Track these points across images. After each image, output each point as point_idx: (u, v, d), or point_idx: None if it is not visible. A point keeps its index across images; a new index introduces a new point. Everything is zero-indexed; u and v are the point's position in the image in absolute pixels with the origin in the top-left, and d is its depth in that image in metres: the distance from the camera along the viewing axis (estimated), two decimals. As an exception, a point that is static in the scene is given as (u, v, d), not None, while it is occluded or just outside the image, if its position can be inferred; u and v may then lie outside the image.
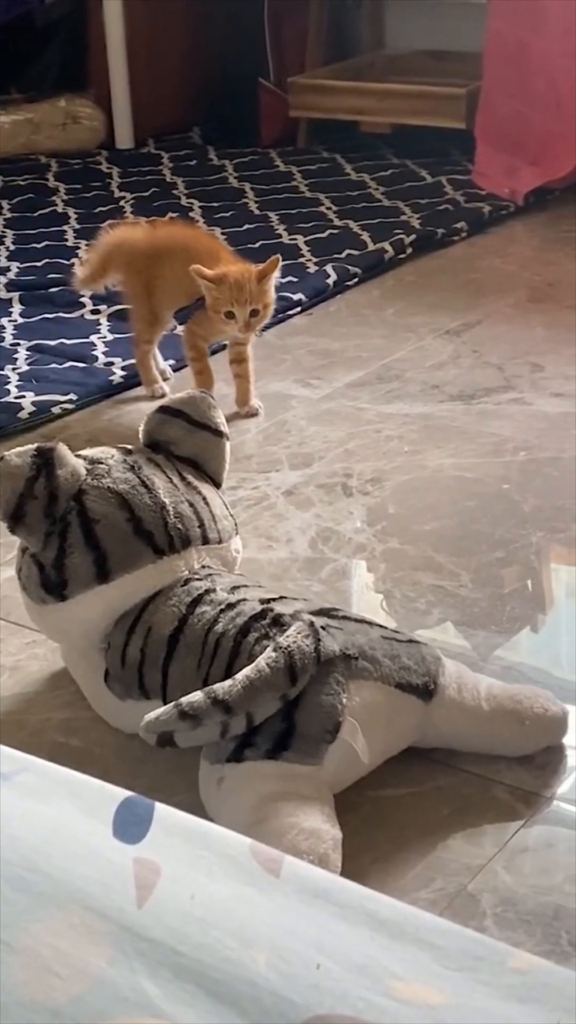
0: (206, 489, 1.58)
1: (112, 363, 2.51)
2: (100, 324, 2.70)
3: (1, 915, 0.81)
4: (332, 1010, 0.75)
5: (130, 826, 0.89)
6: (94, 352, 2.56)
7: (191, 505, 1.53)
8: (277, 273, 2.12)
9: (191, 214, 3.37)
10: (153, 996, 0.76)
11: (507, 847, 1.33)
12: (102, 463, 1.53)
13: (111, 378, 2.45)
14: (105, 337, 2.63)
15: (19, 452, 1.48)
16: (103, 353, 2.55)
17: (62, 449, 1.50)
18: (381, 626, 1.45)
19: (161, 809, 0.91)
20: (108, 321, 2.72)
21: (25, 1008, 0.75)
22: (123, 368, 2.48)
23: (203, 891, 0.83)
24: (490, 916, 1.25)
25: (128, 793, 0.93)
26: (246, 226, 3.23)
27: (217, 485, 1.62)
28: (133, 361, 2.50)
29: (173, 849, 0.87)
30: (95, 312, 2.77)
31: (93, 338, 2.63)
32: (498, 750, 1.44)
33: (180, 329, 2.34)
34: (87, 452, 1.56)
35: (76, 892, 0.83)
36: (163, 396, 2.31)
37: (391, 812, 1.38)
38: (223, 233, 3.19)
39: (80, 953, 0.79)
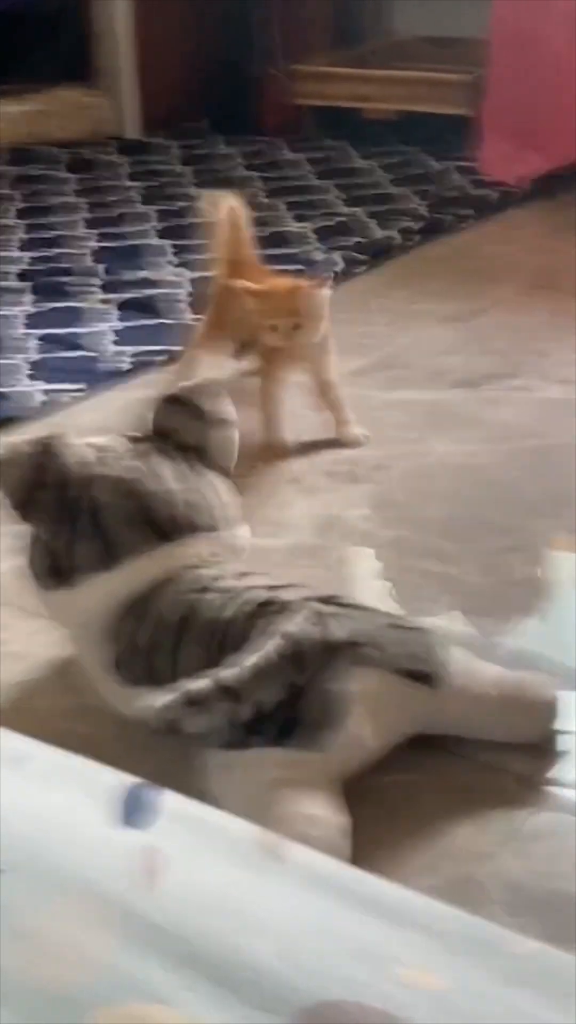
0: (213, 477, 1.58)
1: (122, 352, 2.51)
2: (110, 314, 2.71)
3: (10, 901, 0.82)
4: (336, 996, 0.76)
5: (138, 813, 0.90)
6: (103, 341, 2.56)
7: (198, 493, 1.54)
8: (327, 291, 2.07)
9: (200, 203, 3.36)
10: (158, 982, 0.77)
11: (514, 834, 1.34)
12: (110, 451, 1.54)
13: (121, 366, 2.45)
14: (115, 326, 2.64)
15: (29, 441, 1.49)
16: (113, 342, 2.56)
17: (71, 438, 1.50)
18: (387, 613, 1.45)
19: (168, 796, 0.92)
20: (118, 310, 2.72)
21: (33, 993, 0.76)
22: (132, 356, 2.49)
23: (209, 878, 0.84)
24: (498, 903, 1.26)
25: (136, 780, 0.93)
26: (255, 214, 3.22)
27: (225, 473, 1.62)
28: (143, 348, 2.51)
29: (180, 836, 0.88)
30: (105, 302, 2.77)
31: (103, 327, 2.63)
32: (504, 737, 1.44)
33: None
34: (95, 440, 1.57)
35: (84, 879, 0.84)
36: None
37: (398, 799, 1.39)
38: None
39: (86, 939, 0.80)
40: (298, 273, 2.29)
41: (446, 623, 1.66)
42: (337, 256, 2.88)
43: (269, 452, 2.14)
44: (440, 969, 0.77)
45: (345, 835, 1.28)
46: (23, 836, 0.87)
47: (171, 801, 0.91)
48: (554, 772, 1.41)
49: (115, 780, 0.94)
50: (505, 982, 0.76)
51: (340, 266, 2.84)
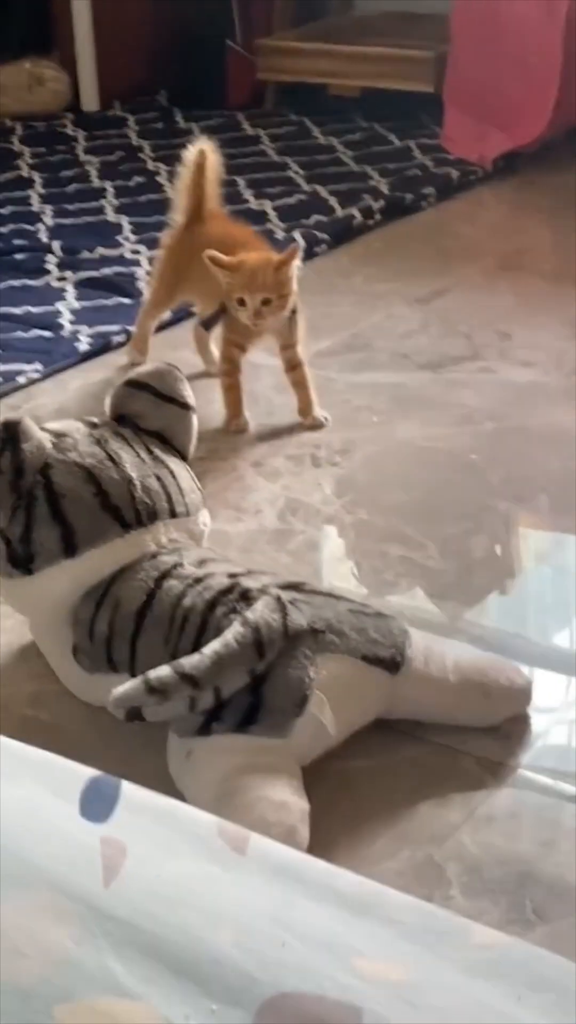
0: (173, 463, 1.58)
1: (78, 331, 2.49)
2: (66, 291, 2.69)
3: (-32, 896, 0.81)
4: (296, 987, 0.76)
5: (97, 805, 0.89)
6: (60, 320, 2.54)
7: (158, 479, 1.53)
8: (297, 262, 2.02)
9: (158, 178, 3.35)
10: (119, 975, 0.77)
11: (473, 816, 1.35)
12: (68, 437, 1.53)
13: (77, 346, 2.44)
14: (71, 304, 2.62)
15: (-15, 426, 1.48)
16: (69, 321, 2.54)
17: (27, 422, 1.49)
18: (348, 599, 1.46)
19: (128, 787, 0.92)
20: (74, 288, 2.70)
21: (-7, 988, 0.76)
22: (90, 336, 2.47)
23: (169, 870, 0.84)
24: (456, 885, 1.27)
25: (95, 772, 0.93)
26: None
27: (184, 458, 1.62)
28: (100, 328, 2.49)
29: (140, 828, 0.88)
30: (61, 279, 2.75)
31: (59, 305, 2.61)
32: (464, 721, 1.45)
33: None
34: (52, 425, 1.56)
35: (43, 872, 0.84)
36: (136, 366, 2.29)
37: (358, 783, 1.40)
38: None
39: (47, 933, 0.79)
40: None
41: (408, 606, 1.67)
42: (298, 235, 2.87)
43: (229, 426, 2.13)
44: (400, 960, 0.78)
45: (305, 820, 1.29)
46: (-18, 830, 0.87)
47: (130, 792, 0.91)
48: (512, 755, 1.42)
49: (74, 772, 0.93)
50: (465, 972, 0.77)
51: (301, 244, 2.83)
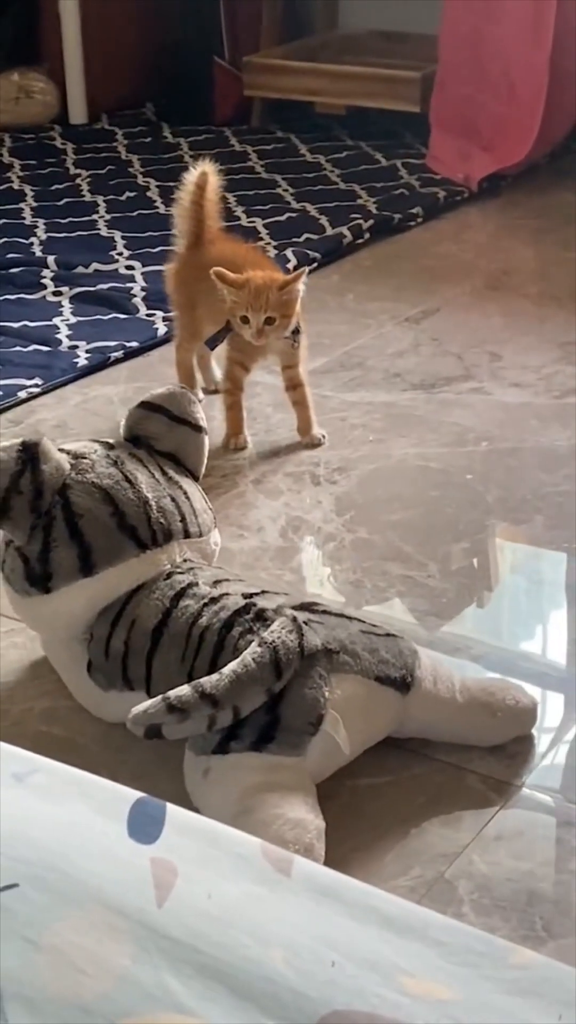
0: (186, 483, 1.61)
1: (77, 346, 2.52)
2: (63, 306, 2.71)
3: (26, 914, 0.84)
4: (349, 1006, 0.79)
5: (144, 826, 0.92)
6: (58, 335, 2.57)
7: (173, 500, 1.56)
8: (302, 285, 2.05)
9: (148, 193, 3.37)
10: (177, 993, 0.80)
11: (481, 835, 1.39)
12: (86, 458, 1.55)
13: (76, 361, 2.46)
14: (68, 320, 2.64)
15: (3, 447, 1.50)
16: (67, 336, 2.56)
17: (47, 444, 1.52)
18: (360, 620, 1.49)
19: (173, 810, 0.95)
20: (70, 303, 2.72)
21: (55, 1005, 0.79)
22: (88, 351, 2.50)
23: (218, 890, 0.87)
24: (467, 903, 1.30)
25: (140, 794, 0.96)
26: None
27: (195, 479, 1.65)
28: (98, 344, 2.52)
29: (187, 849, 0.91)
30: (57, 294, 2.77)
31: (56, 320, 2.63)
32: (471, 740, 1.49)
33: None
34: (70, 446, 1.58)
35: (96, 891, 0.86)
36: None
37: (369, 801, 1.43)
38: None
39: (104, 951, 0.82)
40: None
41: (410, 626, 1.71)
42: (290, 253, 2.91)
43: (228, 444, 2.16)
44: (445, 980, 0.81)
45: (321, 837, 1.32)
46: (33, 850, 0.89)
47: (176, 815, 0.94)
48: (518, 774, 1.46)
49: (119, 793, 0.96)
50: (506, 992, 0.81)
51: (293, 263, 2.87)
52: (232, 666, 1.35)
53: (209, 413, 2.22)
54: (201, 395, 2.28)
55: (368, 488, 2.05)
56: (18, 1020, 0.78)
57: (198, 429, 1.64)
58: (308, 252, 2.92)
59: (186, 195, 2.23)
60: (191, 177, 2.22)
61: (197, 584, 1.50)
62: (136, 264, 2.90)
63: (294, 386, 2.16)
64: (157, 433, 1.62)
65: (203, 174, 2.20)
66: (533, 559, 1.92)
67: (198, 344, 2.27)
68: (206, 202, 2.22)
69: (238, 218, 3.16)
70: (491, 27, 3.31)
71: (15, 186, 3.44)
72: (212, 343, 2.17)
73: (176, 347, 2.32)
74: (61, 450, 1.55)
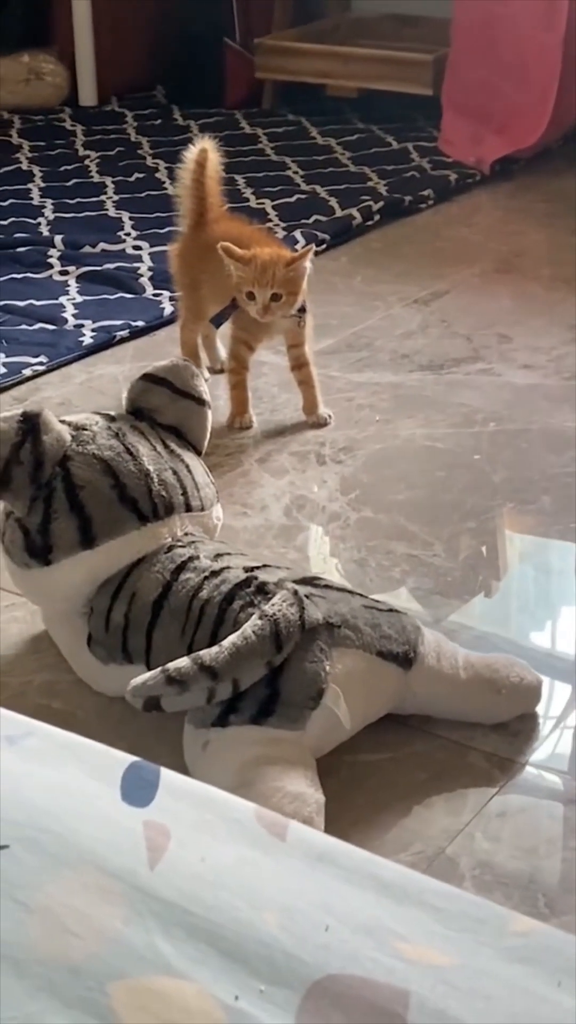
0: (188, 457, 1.59)
1: (82, 325, 2.50)
2: (69, 285, 2.70)
3: (17, 875, 0.83)
4: (342, 970, 0.78)
5: (138, 790, 0.91)
6: (63, 314, 2.55)
7: (174, 473, 1.55)
8: (308, 263, 2.03)
9: (157, 175, 3.36)
10: (168, 955, 0.78)
11: (483, 812, 1.37)
12: (87, 429, 1.54)
13: (81, 340, 2.45)
14: (74, 299, 2.63)
15: (4, 417, 1.49)
16: (73, 315, 2.55)
17: (47, 415, 1.50)
18: (362, 595, 1.48)
19: (167, 774, 0.93)
20: (77, 282, 2.71)
21: (44, 966, 0.77)
22: (93, 330, 2.48)
23: (212, 854, 0.86)
24: (468, 879, 1.29)
25: (133, 758, 0.95)
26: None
27: (199, 453, 1.63)
28: (104, 323, 2.51)
29: (181, 813, 0.89)
30: (63, 273, 2.76)
31: (62, 299, 2.62)
32: (474, 717, 1.47)
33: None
34: (71, 418, 1.57)
35: (88, 854, 0.85)
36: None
37: (370, 776, 1.42)
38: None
39: (95, 913, 0.81)
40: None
41: (414, 604, 1.69)
42: (299, 234, 2.89)
43: (232, 423, 2.14)
44: (441, 945, 0.80)
45: (320, 811, 1.30)
46: (25, 812, 0.88)
47: (170, 779, 0.92)
48: (521, 752, 1.45)
49: (113, 757, 0.95)
50: (505, 959, 0.79)
51: (301, 244, 2.85)
52: (232, 639, 1.34)
53: (214, 392, 2.20)
54: (207, 374, 2.26)
55: (374, 468, 2.04)
56: (5, 981, 0.76)
57: (201, 402, 1.63)
58: (317, 233, 2.90)
59: (186, 173, 2.21)
60: (191, 155, 2.20)
61: (198, 557, 1.48)
62: (143, 244, 2.89)
63: (299, 366, 2.14)
64: (160, 406, 1.60)
65: (203, 151, 2.18)
66: (539, 540, 1.90)
67: (202, 324, 2.25)
68: (207, 180, 2.20)
69: (247, 200, 3.14)
70: (504, 10, 3.29)
71: (24, 167, 3.42)
72: (217, 322, 2.16)
73: (180, 327, 2.30)
74: (62, 422, 1.54)
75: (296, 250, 2.30)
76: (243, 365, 2.14)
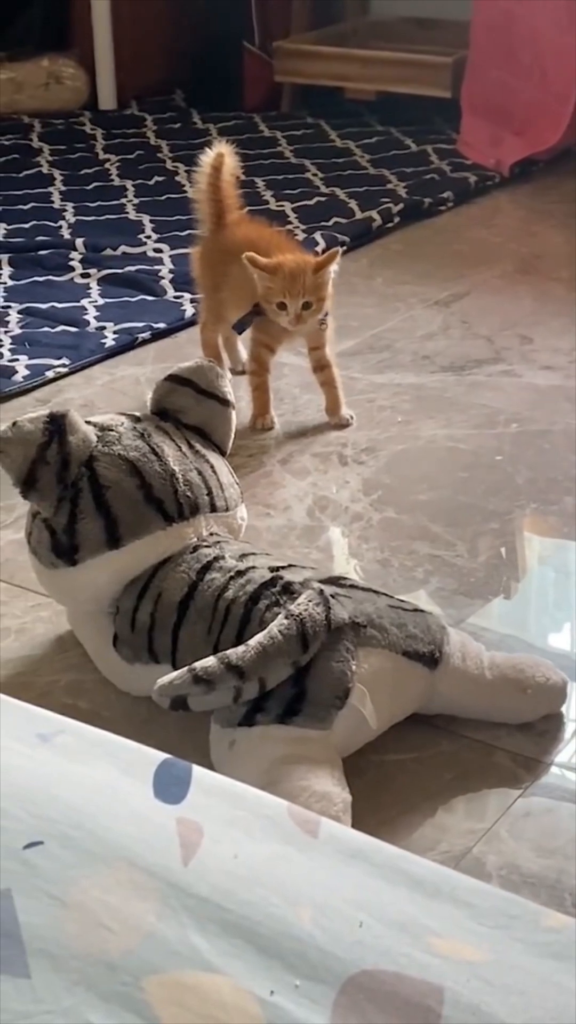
0: (213, 457, 1.60)
1: (104, 327, 2.51)
2: (91, 288, 2.71)
3: (52, 871, 0.83)
4: (376, 965, 0.78)
5: (170, 787, 0.91)
6: (85, 316, 2.56)
7: (199, 473, 1.55)
8: (335, 266, 2.01)
9: (177, 178, 3.37)
10: (203, 950, 0.79)
11: (510, 812, 1.37)
12: (112, 430, 1.54)
13: (103, 342, 2.45)
14: (96, 301, 2.64)
15: (31, 418, 1.50)
16: (95, 317, 2.56)
17: (74, 416, 1.51)
18: (388, 595, 1.48)
19: (198, 771, 0.94)
20: (98, 285, 2.72)
21: (80, 961, 0.78)
22: (115, 332, 2.49)
23: (245, 850, 0.86)
24: (495, 878, 1.29)
25: (165, 755, 0.95)
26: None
27: (223, 453, 1.64)
28: (125, 325, 2.51)
29: (213, 810, 0.90)
30: (85, 276, 2.77)
31: (84, 302, 2.63)
32: (500, 717, 1.47)
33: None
34: (97, 419, 1.57)
35: (122, 850, 0.85)
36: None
37: (396, 776, 1.42)
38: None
39: (130, 909, 0.81)
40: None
41: (438, 604, 1.69)
42: (319, 236, 2.89)
43: (255, 424, 2.14)
44: (474, 941, 0.80)
45: (347, 810, 1.31)
46: (58, 808, 0.89)
47: (202, 776, 0.93)
48: (547, 752, 1.45)
49: (145, 754, 0.95)
50: (538, 954, 0.79)
51: (321, 246, 2.85)
52: (258, 638, 1.34)
53: (236, 394, 2.20)
54: (229, 375, 2.26)
55: (396, 468, 2.04)
56: (43, 976, 0.77)
57: (225, 403, 1.63)
58: (337, 236, 2.91)
59: (203, 177, 2.21)
60: (207, 159, 2.19)
61: (223, 557, 1.49)
62: (164, 247, 2.90)
63: (321, 367, 2.14)
64: (184, 406, 1.61)
65: (219, 155, 2.18)
66: (562, 541, 1.90)
67: (223, 326, 2.25)
68: (223, 183, 2.19)
69: (267, 202, 3.15)
70: (523, 12, 3.29)
71: (44, 170, 3.43)
72: (240, 327, 2.15)
73: (201, 328, 2.31)
74: (88, 423, 1.54)
75: (317, 253, 2.31)
76: (264, 367, 2.14)
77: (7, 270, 2.80)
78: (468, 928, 0.81)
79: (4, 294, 2.68)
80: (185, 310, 2.58)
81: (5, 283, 2.74)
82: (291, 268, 2.00)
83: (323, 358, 2.13)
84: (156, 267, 2.79)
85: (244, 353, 2.27)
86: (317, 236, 2.89)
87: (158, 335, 2.50)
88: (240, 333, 2.19)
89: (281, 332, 2.08)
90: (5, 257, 2.86)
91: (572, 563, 1.87)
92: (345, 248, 2.88)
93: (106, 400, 2.26)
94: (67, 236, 2.97)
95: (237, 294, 2.14)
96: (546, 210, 3.14)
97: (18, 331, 2.50)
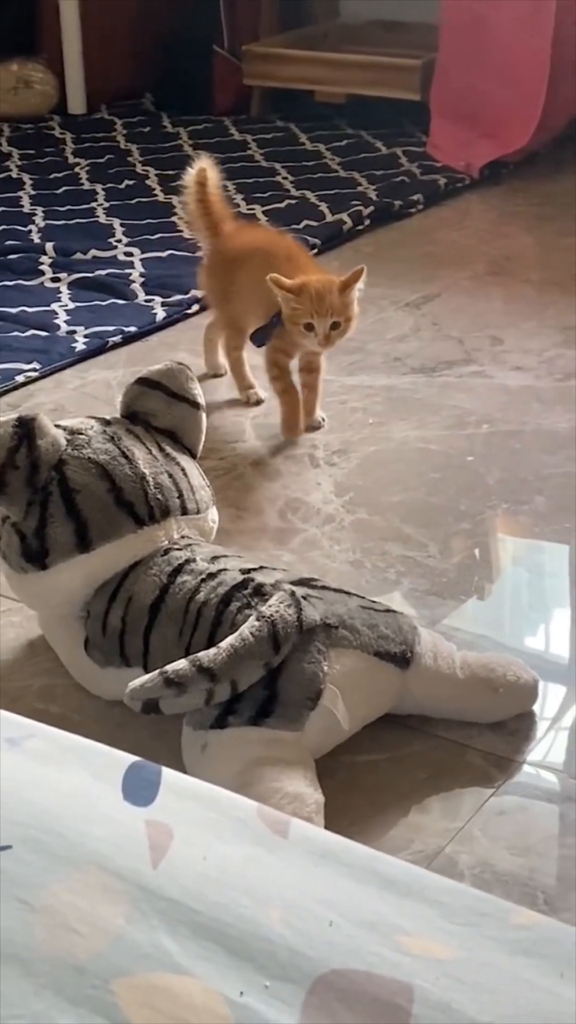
0: (184, 460, 1.60)
1: (74, 331, 2.50)
2: (61, 292, 2.70)
3: (21, 875, 0.83)
4: (346, 964, 0.78)
5: (140, 790, 0.91)
6: (56, 320, 2.56)
7: (170, 476, 1.55)
8: (361, 284, 1.98)
9: (147, 182, 3.36)
10: (172, 952, 0.79)
11: (482, 810, 1.37)
12: (82, 434, 1.54)
13: (74, 346, 2.45)
14: (66, 305, 2.63)
15: (0, 422, 1.49)
16: (65, 322, 2.55)
17: (43, 419, 1.51)
18: (359, 596, 1.48)
19: (168, 773, 0.93)
20: (68, 289, 2.71)
21: (49, 965, 0.77)
22: (86, 336, 2.49)
23: (215, 852, 0.86)
24: (468, 877, 1.29)
25: (135, 758, 0.95)
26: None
27: (193, 456, 1.64)
28: (96, 329, 2.51)
29: (183, 812, 0.90)
30: (55, 280, 2.76)
31: (54, 306, 2.62)
32: (471, 717, 1.48)
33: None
34: (67, 422, 1.57)
35: (92, 853, 0.85)
36: (258, 403, 2.20)
37: (369, 777, 1.42)
38: (181, 202, 3.18)
39: (99, 912, 0.81)
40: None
41: (410, 605, 1.69)
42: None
43: (293, 432, 2.10)
44: (445, 939, 0.80)
45: (319, 811, 1.31)
46: (27, 812, 0.88)
47: (172, 778, 0.93)
48: (519, 751, 1.45)
49: (114, 757, 0.95)
50: (508, 951, 0.79)
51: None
52: (230, 640, 1.34)
53: (211, 397, 2.21)
54: (262, 395, 2.21)
55: (368, 470, 2.04)
56: (11, 981, 0.76)
57: (196, 406, 1.63)
58: (308, 238, 2.91)
59: (190, 196, 2.19)
60: (191, 177, 2.18)
61: (195, 560, 1.49)
62: (135, 251, 2.89)
63: (312, 369, 2.11)
64: (155, 409, 1.61)
65: (201, 171, 2.17)
66: (534, 541, 1.91)
67: (244, 339, 2.17)
68: (211, 197, 2.18)
69: (237, 206, 3.15)
70: (492, 14, 3.30)
71: (14, 175, 3.43)
72: (260, 340, 2.07)
73: (225, 351, 2.23)
74: (57, 426, 1.54)
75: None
76: (285, 371, 2.08)
77: (-24, 275, 2.79)
78: (438, 926, 0.81)
79: (-27, 298, 2.67)
80: (156, 313, 2.58)
81: (-26, 287, 2.73)
82: (317, 289, 1.95)
83: (316, 361, 2.11)
84: (127, 271, 2.79)
85: (222, 357, 2.26)
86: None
87: (129, 339, 2.50)
88: (260, 346, 2.10)
89: (297, 342, 2.04)
90: (-26, 262, 2.85)
91: (543, 563, 1.87)
92: (316, 251, 2.89)
93: (77, 404, 2.25)
94: (37, 240, 2.96)
95: (248, 301, 2.11)
96: (516, 212, 3.15)
97: (-12, 335, 2.49)
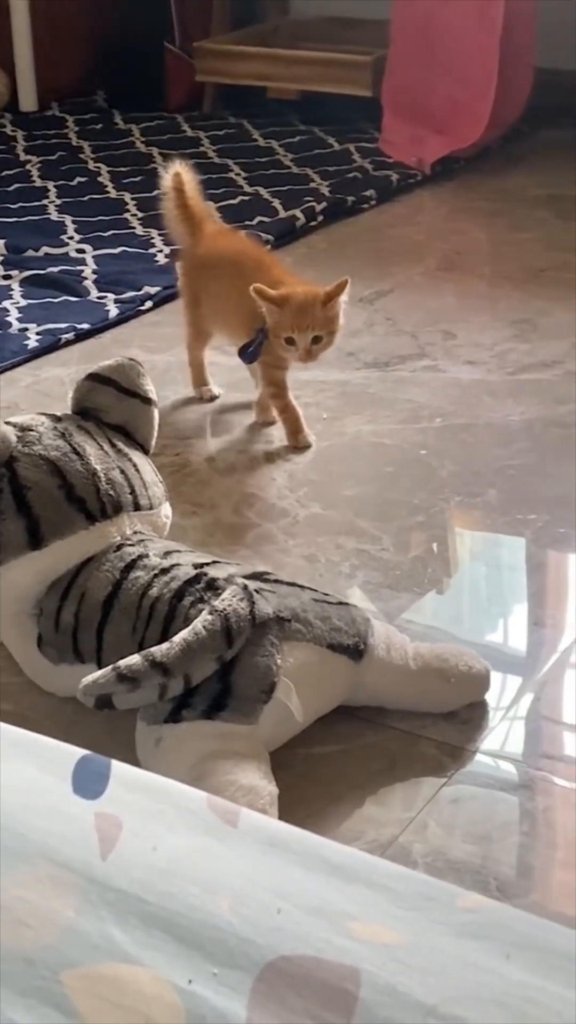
0: (136, 456, 1.60)
1: (27, 328, 2.50)
2: (12, 289, 2.69)
3: (-31, 871, 0.83)
4: (294, 951, 0.79)
5: (89, 783, 0.91)
6: (8, 318, 2.55)
7: (122, 472, 1.55)
8: (345, 296, 1.94)
9: (99, 179, 3.35)
10: (122, 943, 0.79)
11: (435, 799, 1.38)
12: (32, 430, 1.54)
13: (26, 343, 2.44)
14: (18, 302, 2.62)
15: (-51, 419, 1.49)
16: (17, 319, 2.54)
17: (-7, 416, 1.50)
18: (312, 589, 1.49)
19: (118, 766, 0.94)
20: (20, 287, 2.70)
21: (1, 957, 0.78)
22: (38, 333, 2.48)
23: (164, 843, 0.86)
24: (421, 865, 1.30)
25: (84, 751, 0.95)
26: (155, 192, 3.22)
27: (146, 452, 1.64)
28: (48, 326, 2.50)
29: (132, 804, 0.90)
30: (7, 277, 2.75)
31: (6, 303, 2.61)
32: (424, 707, 1.49)
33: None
34: (16, 419, 1.57)
35: (41, 847, 0.85)
36: (212, 399, 2.20)
37: (323, 768, 1.42)
38: (133, 198, 3.18)
39: (48, 904, 0.81)
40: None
41: (363, 598, 1.70)
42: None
43: (297, 442, 2.08)
44: (393, 924, 0.81)
45: (274, 803, 1.31)
46: (-24, 808, 0.88)
47: (121, 771, 0.93)
48: (471, 740, 1.46)
49: (63, 751, 0.95)
50: (454, 934, 0.80)
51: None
52: (183, 634, 1.34)
53: (162, 392, 2.21)
54: (216, 391, 2.22)
55: (322, 465, 2.05)
56: (-40, 974, 0.76)
57: (147, 401, 1.63)
58: (261, 235, 2.91)
59: (168, 201, 2.17)
60: (167, 182, 2.16)
61: (147, 555, 1.49)
62: (87, 248, 2.89)
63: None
64: (106, 405, 1.61)
65: (176, 175, 2.15)
66: (487, 533, 1.92)
67: (205, 344, 2.18)
68: (189, 200, 2.16)
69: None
70: (442, 10, 3.32)
71: (-35, 173, 3.41)
72: (250, 357, 2.03)
73: (187, 346, 2.23)
74: (7, 423, 1.54)
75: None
76: (283, 387, 2.06)
77: None
78: (386, 911, 0.82)
79: None
80: (109, 310, 2.57)
81: None
82: (299, 301, 1.92)
83: None
84: (79, 268, 2.78)
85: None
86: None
87: (82, 336, 2.49)
88: (250, 363, 2.07)
89: (283, 360, 2.02)
90: None
91: (496, 555, 1.89)
92: (269, 247, 2.89)
93: (30, 402, 2.25)
94: (-12, 238, 2.94)
95: (215, 307, 2.11)
96: (468, 207, 3.17)
97: None
